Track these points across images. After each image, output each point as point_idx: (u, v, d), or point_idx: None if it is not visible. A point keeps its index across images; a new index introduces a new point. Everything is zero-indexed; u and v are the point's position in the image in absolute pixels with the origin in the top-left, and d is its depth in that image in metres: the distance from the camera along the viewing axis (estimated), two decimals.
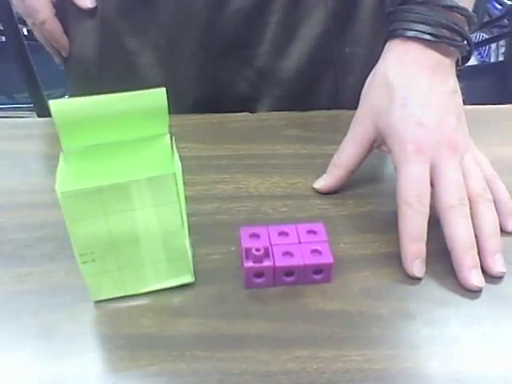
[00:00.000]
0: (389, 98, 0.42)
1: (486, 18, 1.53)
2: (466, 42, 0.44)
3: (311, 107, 0.60)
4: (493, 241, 0.38)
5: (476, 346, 0.33)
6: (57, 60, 0.65)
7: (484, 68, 1.96)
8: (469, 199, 0.39)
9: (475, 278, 0.37)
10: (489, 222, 0.39)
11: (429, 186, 0.39)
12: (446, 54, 0.43)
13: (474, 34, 1.89)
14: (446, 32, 0.43)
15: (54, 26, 0.59)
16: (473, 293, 0.37)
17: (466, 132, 0.43)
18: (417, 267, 0.38)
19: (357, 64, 0.61)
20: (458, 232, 0.38)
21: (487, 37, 1.82)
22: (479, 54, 2.16)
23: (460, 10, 0.43)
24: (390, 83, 0.43)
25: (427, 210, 0.38)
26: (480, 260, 0.38)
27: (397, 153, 0.41)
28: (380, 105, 0.43)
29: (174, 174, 0.32)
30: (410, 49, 0.43)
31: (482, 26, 1.52)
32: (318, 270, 0.37)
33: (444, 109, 0.42)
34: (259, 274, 0.37)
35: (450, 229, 0.38)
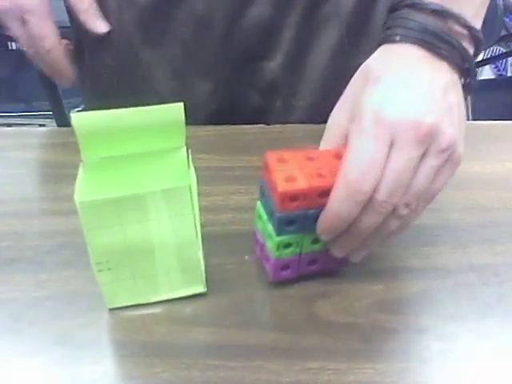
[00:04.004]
0: (365, 79, 0.37)
1: (503, 32, 1.52)
2: (463, 59, 0.38)
3: (326, 119, 0.61)
4: (371, 243, 0.36)
5: (487, 362, 0.33)
6: (59, 83, 0.64)
7: (501, 82, 1.95)
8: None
9: (336, 251, 0.37)
10: (382, 234, 0.35)
11: (379, 169, 0.33)
12: (438, 58, 0.37)
13: (491, 48, 1.89)
14: (433, 39, 0.37)
15: (60, 54, 0.56)
16: (484, 308, 0.37)
17: (452, 130, 0.34)
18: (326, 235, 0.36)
19: None
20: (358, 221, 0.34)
21: (504, 51, 1.81)
22: (496, 67, 2.15)
23: (453, 16, 0.37)
24: (368, 68, 0.38)
25: (364, 198, 0.33)
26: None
27: (354, 127, 0.35)
28: (356, 88, 0.38)
29: (189, 186, 0.33)
30: (396, 46, 0.38)
31: (499, 40, 1.51)
32: None
33: (426, 95, 0.35)
34: (285, 266, 0.37)
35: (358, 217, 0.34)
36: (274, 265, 0.37)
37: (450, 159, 0.35)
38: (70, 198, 0.32)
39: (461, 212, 0.45)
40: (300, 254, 0.37)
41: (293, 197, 0.34)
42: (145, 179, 0.34)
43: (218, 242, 0.42)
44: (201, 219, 0.38)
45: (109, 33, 0.58)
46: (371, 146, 0.33)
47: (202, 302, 0.37)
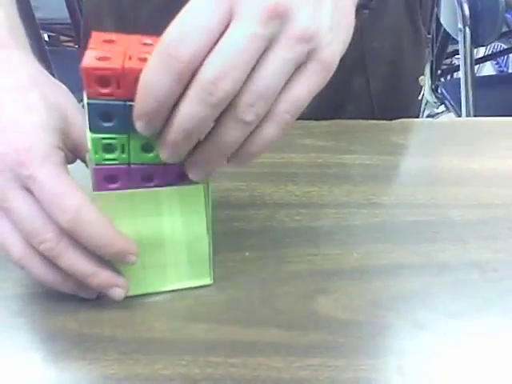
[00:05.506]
0: None
1: (505, 28, 1.52)
2: None
3: (343, 102, 0.60)
4: (206, 153, 0.30)
5: (488, 358, 0.33)
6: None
7: (502, 78, 1.94)
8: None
9: (163, 152, 0.30)
10: (219, 142, 0.29)
11: (204, 35, 0.26)
12: None
13: (493, 44, 1.88)
14: None
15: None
16: (484, 305, 0.37)
17: (309, 21, 0.28)
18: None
19: (385, 56, 0.62)
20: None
21: (505, 47, 1.81)
22: (497, 63, 2.15)
23: None
24: None
25: (181, 67, 0.26)
26: None
27: None
28: None
29: (203, 186, 0.34)
30: None
31: (501, 36, 1.51)
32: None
33: None
34: (112, 177, 0.32)
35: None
36: (97, 173, 0.31)
37: (313, 58, 0.28)
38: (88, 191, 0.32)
39: (461, 208, 0.45)
40: (129, 164, 0.31)
41: (102, 78, 0.28)
42: None
43: (218, 238, 0.42)
44: None
45: (123, 29, 0.57)
46: (204, 7, 0.27)
47: (202, 298, 0.37)
